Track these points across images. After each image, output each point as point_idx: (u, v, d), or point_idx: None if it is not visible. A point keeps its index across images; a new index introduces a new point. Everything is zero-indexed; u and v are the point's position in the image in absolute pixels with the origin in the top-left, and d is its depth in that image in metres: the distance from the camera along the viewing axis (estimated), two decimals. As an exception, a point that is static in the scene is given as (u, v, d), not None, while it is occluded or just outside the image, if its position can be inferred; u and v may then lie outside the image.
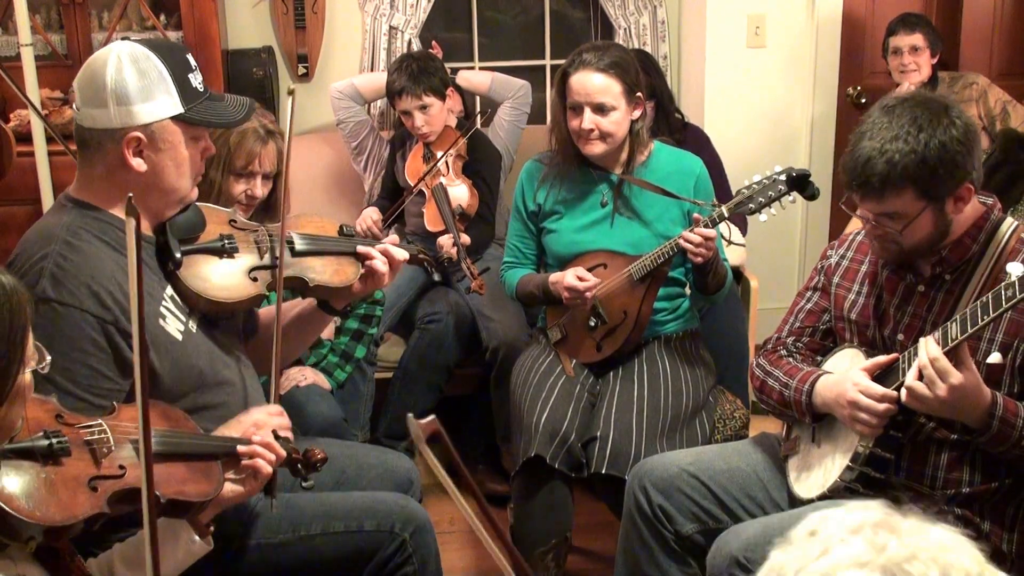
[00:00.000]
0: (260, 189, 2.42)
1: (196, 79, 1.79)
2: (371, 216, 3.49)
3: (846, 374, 1.94)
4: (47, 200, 3.42)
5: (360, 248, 2.07)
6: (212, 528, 1.69)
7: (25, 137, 3.43)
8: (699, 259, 2.41)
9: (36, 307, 1.60)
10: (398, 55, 3.88)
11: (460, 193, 3.40)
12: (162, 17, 3.85)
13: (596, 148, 2.59)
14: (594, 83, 2.53)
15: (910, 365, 1.82)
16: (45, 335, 1.60)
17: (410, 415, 1.27)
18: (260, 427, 1.79)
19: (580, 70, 2.54)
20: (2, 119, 3.66)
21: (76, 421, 1.48)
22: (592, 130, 2.56)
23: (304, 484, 1.85)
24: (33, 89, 3.31)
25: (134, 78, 1.71)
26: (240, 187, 2.39)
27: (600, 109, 2.54)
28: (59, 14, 3.82)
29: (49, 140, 3.47)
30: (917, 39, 3.85)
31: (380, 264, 2.06)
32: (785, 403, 2.07)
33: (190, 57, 1.81)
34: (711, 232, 2.39)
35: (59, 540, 1.40)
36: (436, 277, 2.50)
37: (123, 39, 1.78)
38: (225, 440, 1.71)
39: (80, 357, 1.65)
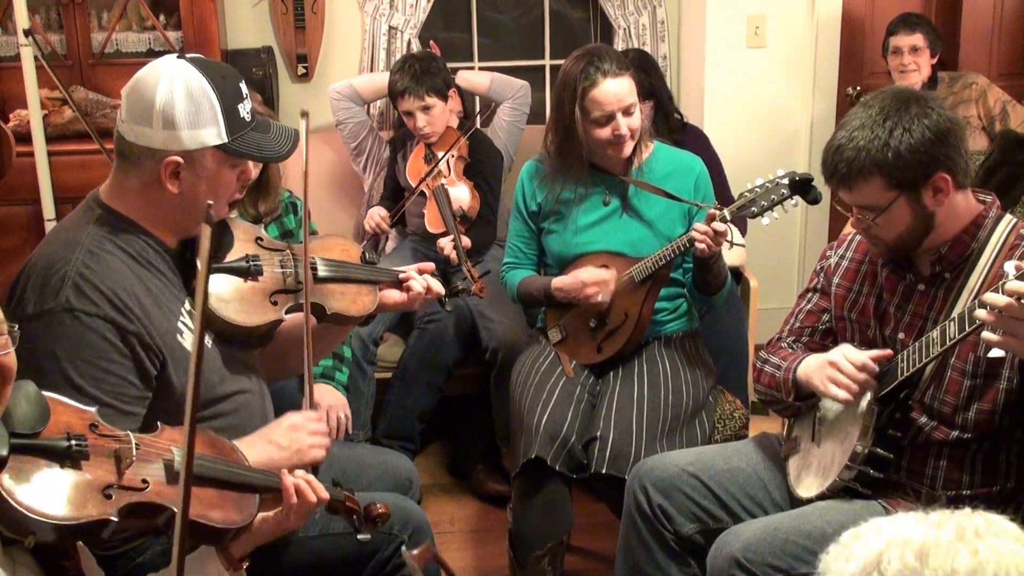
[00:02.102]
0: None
1: (245, 109, 1.78)
2: (379, 214, 3.49)
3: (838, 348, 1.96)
4: (47, 200, 3.43)
5: (401, 275, 2.13)
6: (246, 563, 1.67)
7: (25, 137, 3.44)
8: (703, 248, 2.40)
9: (61, 317, 1.63)
10: (398, 55, 3.88)
11: (461, 195, 3.40)
12: (162, 17, 3.85)
13: (629, 148, 2.61)
14: (622, 88, 2.53)
15: (909, 365, 1.83)
16: (71, 344, 1.63)
17: (403, 549, 1.26)
18: (296, 429, 1.85)
19: (602, 81, 2.52)
20: (2, 119, 3.66)
21: (110, 432, 1.49)
22: (627, 133, 2.56)
23: (359, 536, 1.81)
24: (33, 89, 3.32)
25: (184, 104, 1.70)
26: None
27: (627, 111, 2.55)
28: (59, 14, 3.82)
29: (50, 140, 3.48)
30: (917, 39, 3.85)
31: (418, 286, 2.12)
32: (775, 385, 2.09)
33: (243, 86, 1.80)
34: (723, 227, 2.39)
35: (61, 541, 1.41)
36: (448, 308, 2.47)
37: (179, 56, 1.76)
38: (267, 474, 1.69)
39: (106, 365, 1.65)
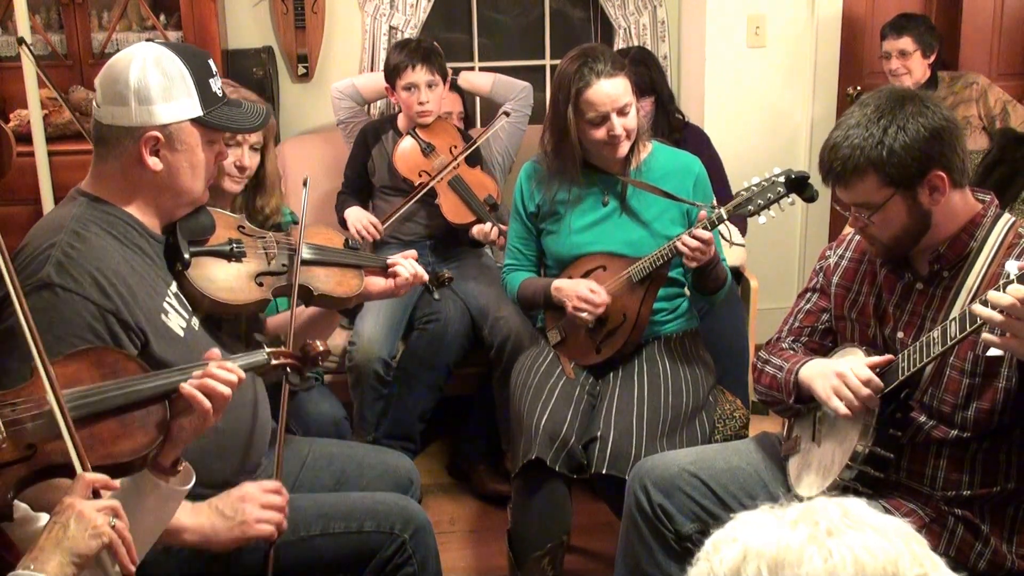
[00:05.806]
0: (248, 159, 2.39)
1: (216, 84, 1.83)
2: (368, 219, 3.37)
3: (845, 360, 1.96)
4: (47, 200, 3.43)
5: (389, 259, 2.16)
6: (182, 464, 1.60)
7: (25, 137, 3.44)
8: (694, 263, 2.41)
9: (39, 292, 1.62)
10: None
11: (483, 181, 3.42)
12: (162, 17, 3.85)
13: (625, 148, 2.60)
14: (617, 88, 2.53)
15: (910, 364, 1.83)
16: (45, 319, 1.61)
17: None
18: (245, 500, 1.81)
19: (597, 81, 2.51)
20: (2, 119, 3.66)
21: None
22: (623, 133, 2.56)
23: (303, 383, 1.80)
24: (33, 89, 3.32)
25: (157, 78, 1.74)
26: (228, 158, 2.37)
27: (622, 111, 2.55)
28: (59, 14, 3.82)
29: (50, 140, 3.48)
30: (905, 43, 3.85)
31: (404, 271, 2.15)
32: (776, 386, 2.09)
33: (211, 62, 1.84)
34: (707, 235, 2.39)
35: None
36: (436, 296, 2.48)
37: (149, 40, 1.83)
38: (166, 380, 1.56)
39: (77, 343, 1.64)
